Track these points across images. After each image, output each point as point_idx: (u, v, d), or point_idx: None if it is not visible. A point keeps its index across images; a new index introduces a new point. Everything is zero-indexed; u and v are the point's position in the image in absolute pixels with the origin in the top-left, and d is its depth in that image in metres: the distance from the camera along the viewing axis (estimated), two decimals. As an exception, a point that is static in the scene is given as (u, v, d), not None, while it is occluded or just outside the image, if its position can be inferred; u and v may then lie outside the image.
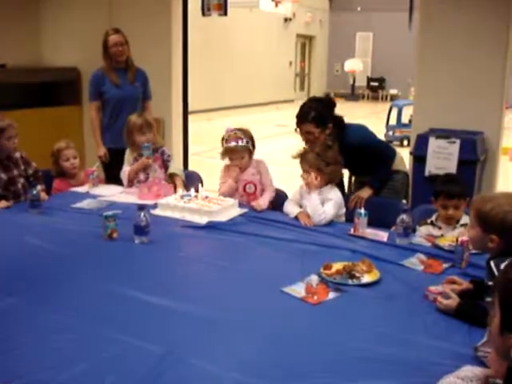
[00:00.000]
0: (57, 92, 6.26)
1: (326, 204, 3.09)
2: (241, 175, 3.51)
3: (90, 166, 4.22)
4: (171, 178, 3.81)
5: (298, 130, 3.47)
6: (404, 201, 3.52)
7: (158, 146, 3.89)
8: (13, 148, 3.52)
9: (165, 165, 3.87)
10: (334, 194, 3.14)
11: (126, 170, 3.83)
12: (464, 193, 2.95)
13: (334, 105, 3.53)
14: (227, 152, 3.49)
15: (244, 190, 3.49)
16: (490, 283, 1.93)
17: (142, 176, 3.80)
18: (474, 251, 2.51)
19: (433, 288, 2.14)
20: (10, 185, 3.50)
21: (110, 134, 4.53)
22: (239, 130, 3.51)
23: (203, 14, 6.00)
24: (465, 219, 2.87)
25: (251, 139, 3.52)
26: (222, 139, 3.51)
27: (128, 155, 3.88)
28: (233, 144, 3.43)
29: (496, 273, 1.92)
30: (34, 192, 3.23)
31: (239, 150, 3.45)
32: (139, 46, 4.83)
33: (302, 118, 3.43)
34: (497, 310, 1.25)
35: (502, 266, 1.90)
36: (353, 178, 3.86)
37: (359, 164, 3.53)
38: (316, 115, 3.38)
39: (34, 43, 6.26)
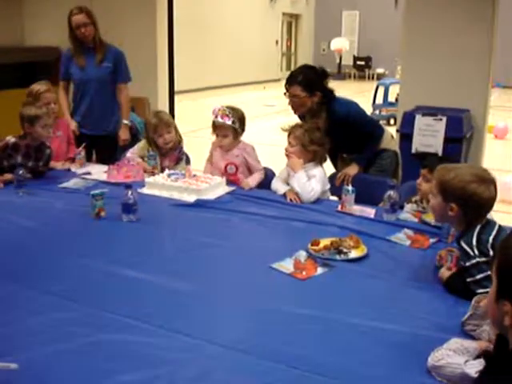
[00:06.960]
0: (39, 72, 6.14)
1: (310, 181, 3.09)
2: (224, 155, 3.49)
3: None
4: None
5: (286, 93, 3.43)
6: (394, 180, 3.49)
7: (176, 144, 3.70)
8: None
9: (177, 161, 3.72)
10: (318, 171, 3.15)
11: (129, 158, 3.63)
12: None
13: (325, 75, 3.49)
14: (214, 127, 3.47)
15: (225, 170, 3.44)
16: (468, 264, 1.95)
17: None
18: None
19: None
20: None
21: (78, 118, 4.33)
22: (231, 108, 3.46)
23: (188, -8, 5.94)
24: None
25: (240, 121, 3.46)
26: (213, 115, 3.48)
27: (142, 146, 3.71)
28: (219, 120, 3.40)
29: (469, 251, 1.94)
30: (20, 172, 3.20)
31: (224, 127, 3.42)
32: (123, 24, 4.77)
33: (290, 80, 3.42)
34: (494, 277, 1.28)
35: (474, 241, 1.93)
36: (338, 164, 3.81)
37: (346, 139, 3.49)
38: (304, 79, 3.37)
39: (16, 23, 6.15)
